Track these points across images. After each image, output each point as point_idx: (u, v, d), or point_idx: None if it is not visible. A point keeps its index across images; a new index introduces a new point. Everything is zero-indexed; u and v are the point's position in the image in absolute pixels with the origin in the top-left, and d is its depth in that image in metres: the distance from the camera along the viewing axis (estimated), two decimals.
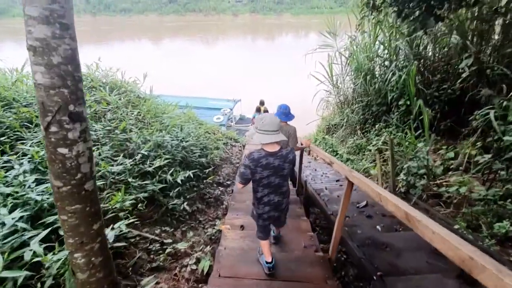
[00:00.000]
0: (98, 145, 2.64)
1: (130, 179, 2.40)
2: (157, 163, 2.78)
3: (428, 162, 3.19)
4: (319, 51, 7.32)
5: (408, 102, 5.53)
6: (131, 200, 2.23)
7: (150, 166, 2.81)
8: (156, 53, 36.74)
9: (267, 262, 2.08)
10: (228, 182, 4.39)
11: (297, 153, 3.55)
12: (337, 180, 3.92)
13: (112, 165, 2.55)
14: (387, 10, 3.63)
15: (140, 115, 3.85)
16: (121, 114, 3.44)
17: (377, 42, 6.31)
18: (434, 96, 5.34)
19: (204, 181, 3.67)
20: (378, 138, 5.61)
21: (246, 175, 1.88)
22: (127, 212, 2.10)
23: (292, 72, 23.85)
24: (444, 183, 3.29)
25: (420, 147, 3.31)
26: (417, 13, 2.63)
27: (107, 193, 2.18)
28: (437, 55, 5.69)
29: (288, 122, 3.11)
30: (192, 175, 3.11)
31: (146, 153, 2.71)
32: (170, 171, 2.93)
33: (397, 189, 3.51)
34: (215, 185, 4.09)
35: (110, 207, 2.02)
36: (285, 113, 3.02)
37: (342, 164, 1.70)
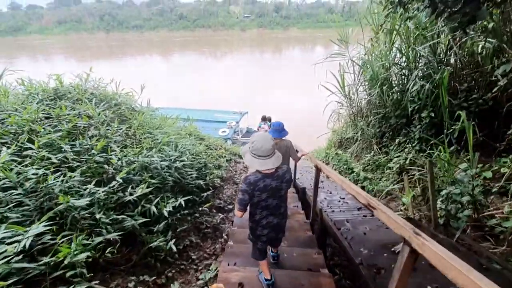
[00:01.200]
0: (63, 170, 2.15)
1: (99, 215, 1.87)
2: (139, 190, 2.26)
3: (474, 187, 2.58)
4: (329, 60, 6.84)
5: (432, 114, 4.94)
6: (94, 245, 1.70)
7: (131, 194, 2.29)
8: (165, 67, 37.38)
9: (266, 280, 2.05)
10: (230, 206, 3.83)
11: (312, 174, 3.03)
12: (359, 208, 3.31)
13: (82, 195, 2.04)
14: (417, 4, 3.12)
15: (129, 130, 3.38)
16: (106, 129, 2.97)
17: (393, 49, 5.79)
18: (462, 107, 4.73)
19: (200, 208, 3.13)
20: (400, 154, 4.99)
21: (245, 200, 1.79)
22: (86, 265, 1.56)
23: (300, 85, 23.69)
24: (495, 214, 2.65)
25: (462, 168, 2.71)
26: (460, 5, 2.11)
27: (62, 237, 1.65)
28: (463, 61, 5.12)
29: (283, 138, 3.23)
30: (183, 203, 2.57)
31: (121, 180, 2.19)
32: (157, 200, 2.41)
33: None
34: (214, 210, 3.53)
35: (58, 260, 1.49)
36: (278, 130, 3.14)
37: (396, 217, 1.10)
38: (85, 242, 1.67)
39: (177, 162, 3.09)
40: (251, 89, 23.06)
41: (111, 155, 2.52)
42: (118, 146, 2.81)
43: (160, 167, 2.75)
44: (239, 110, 13.18)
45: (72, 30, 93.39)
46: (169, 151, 3.23)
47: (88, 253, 1.53)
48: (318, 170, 2.52)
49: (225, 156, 5.36)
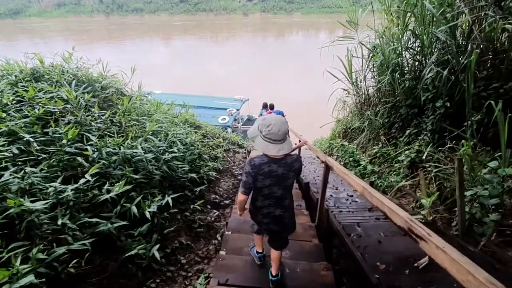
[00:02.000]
0: (27, 163, 1.81)
1: (62, 220, 1.55)
2: (117, 188, 1.93)
3: (505, 189, 2.24)
4: (336, 44, 6.35)
5: (448, 104, 4.55)
6: (56, 257, 1.39)
7: (108, 192, 1.96)
8: (165, 52, 36.54)
9: (258, 252, 2.06)
10: (227, 202, 3.52)
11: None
12: (370, 209, 2.98)
13: (47, 194, 1.71)
14: None
15: (114, 117, 3.02)
16: (85, 115, 2.61)
17: (407, 32, 5.31)
18: (480, 97, 4.34)
19: (192, 206, 2.80)
20: (411, 147, 4.63)
21: (249, 183, 1.67)
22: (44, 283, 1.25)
23: (303, 72, 23.09)
24: None
25: (492, 167, 2.36)
26: None
27: (10, 250, 1.33)
28: (482, 47, 4.67)
29: None
30: (171, 202, 2.25)
31: (90, 177, 1.84)
32: (139, 198, 2.08)
33: (454, 223, 2.57)
34: (208, 206, 3.23)
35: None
36: None
37: (473, 267, 0.74)
38: (41, 256, 1.35)
39: (167, 153, 2.75)
40: (252, 76, 22.45)
41: (87, 145, 2.18)
42: (99, 135, 2.47)
43: (146, 159, 2.41)
44: (240, 97, 12.71)
45: (71, 12, 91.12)
46: (159, 140, 2.88)
47: (32, 278, 1.20)
48: (328, 168, 2.16)
49: (222, 146, 5.02)
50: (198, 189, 3.05)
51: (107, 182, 2.06)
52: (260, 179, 1.64)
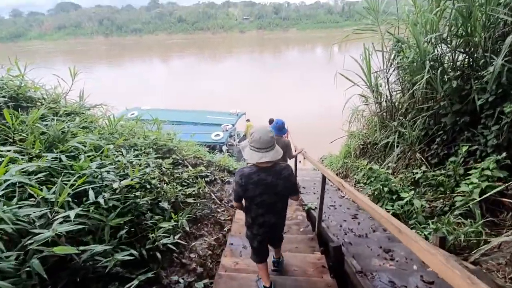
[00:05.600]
0: None
1: None
2: None
3: None
4: (350, 39, 5.05)
5: None
6: None
7: None
8: (163, 70, 36.02)
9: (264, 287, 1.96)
10: (201, 284, 2.01)
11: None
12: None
13: None
14: None
15: None
16: None
17: (448, 13, 3.99)
18: None
19: None
20: (476, 170, 3.18)
21: (239, 192, 1.76)
22: None
23: (303, 84, 22.08)
24: None
25: None
26: None
27: None
28: None
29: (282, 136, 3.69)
30: None
31: None
32: None
33: None
34: None
35: None
36: (279, 128, 3.51)
37: None
38: None
39: (57, 223, 1.30)
40: (250, 91, 21.35)
41: None
42: None
43: None
44: (236, 111, 11.36)
45: (71, 35, 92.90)
46: (52, 193, 1.44)
47: None
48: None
49: (206, 176, 3.57)
50: (135, 282, 1.57)
51: None
52: (251, 188, 1.70)
